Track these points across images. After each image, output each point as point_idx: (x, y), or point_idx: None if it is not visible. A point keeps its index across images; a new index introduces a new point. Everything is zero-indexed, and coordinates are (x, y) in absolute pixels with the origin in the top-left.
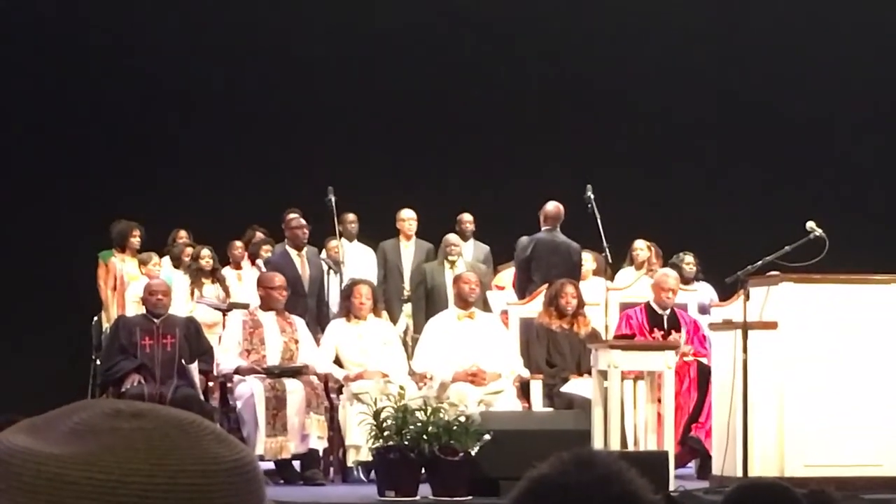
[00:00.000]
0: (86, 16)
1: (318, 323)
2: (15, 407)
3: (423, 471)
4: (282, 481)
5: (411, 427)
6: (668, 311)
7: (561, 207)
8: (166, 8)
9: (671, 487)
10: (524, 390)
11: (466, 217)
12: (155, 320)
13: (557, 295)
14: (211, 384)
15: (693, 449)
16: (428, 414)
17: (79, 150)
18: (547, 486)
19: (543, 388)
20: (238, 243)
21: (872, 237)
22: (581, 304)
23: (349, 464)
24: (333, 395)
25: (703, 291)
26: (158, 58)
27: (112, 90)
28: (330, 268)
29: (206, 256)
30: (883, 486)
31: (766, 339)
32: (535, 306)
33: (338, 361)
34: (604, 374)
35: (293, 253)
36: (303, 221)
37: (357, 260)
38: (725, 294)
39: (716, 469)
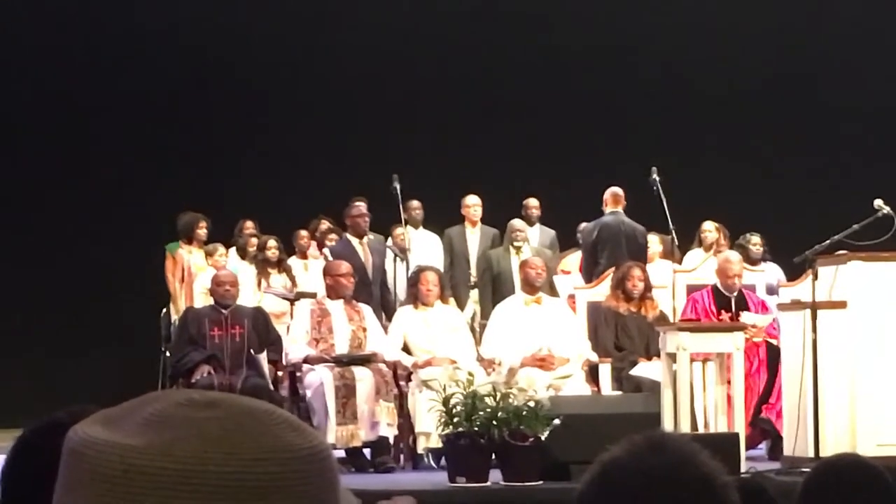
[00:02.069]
0: (151, 10)
1: (382, 310)
2: (85, 400)
3: (493, 456)
4: (352, 469)
5: (481, 413)
6: (735, 293)
7: (621, 191)
8: (230, 2)
9: (742, 469)
10: (593, 374)
11: (532, 202)
12: (223, 311)
13: (624, 278)
14: (280, 374)
15: (764, 430)
16: (497, 399)
17: (145, 143)
18: (620, 470)
19: (612, 371)
20: (304, 233)
21: None
22: (648, 287)
23: (419, 451)
24: (402, 383)
25: (771, 272)
26: (223, 49)
27: (176, 82)
28: (396, 255)
29: (273, 247)
30: None
31: (835, 319)
32: (602, 290)
33: (406, 349)
34: (672, 357)
35: (355, 241)
36: (363, 210)
37: (423, 247)
38: (793, 274)
39: (787, 450)
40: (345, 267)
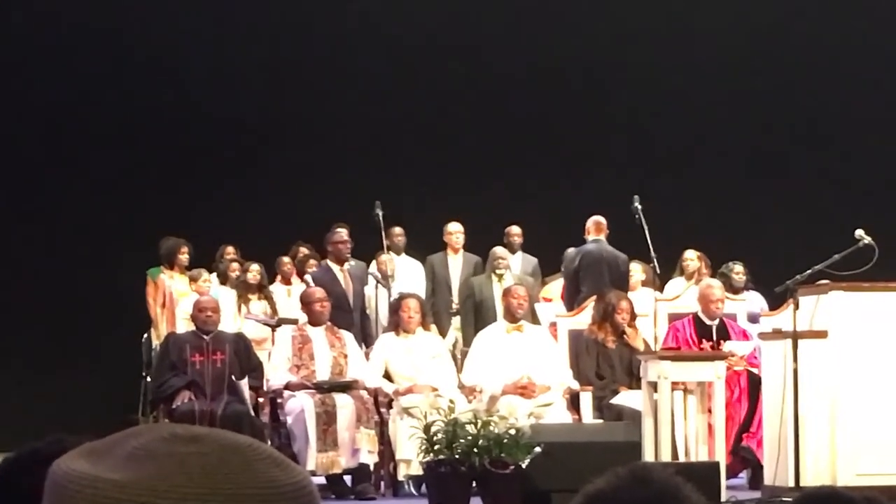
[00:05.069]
0: (138, 35)
1: (362, 337)
2: (66, 424)
3: (473, 484)
4: (333, 496)
5: (462, 440)
6: (716, 322)
7: (603, 220)
8: (212, 28)
9: (723, 498)
10: (574, 402)
11: (515, 230)
12: (205, 337)
13: (613, 311)
14: (261, 400)
15: (745, 459)
16: (478, 427)
17: (127, 168)
18: (603, 503)
19: (593, 400)
20: (286, 259)
21: None
22: (633, 316)
23: (400, 478)
24: (383, 410)
25: (753, 301)
26: (206, 76)
27: (159, 108)
28: (378, 282)
29: (255, 271)
30: None
31: (816, 348)
32: (583, 318)
33: (387, 376)
34: (653, 386)
35: (335, 268)
36: (344, 236)
37: (405, 274)
38: (775, 303)
39: (767, 479)
40: (318, 293)
